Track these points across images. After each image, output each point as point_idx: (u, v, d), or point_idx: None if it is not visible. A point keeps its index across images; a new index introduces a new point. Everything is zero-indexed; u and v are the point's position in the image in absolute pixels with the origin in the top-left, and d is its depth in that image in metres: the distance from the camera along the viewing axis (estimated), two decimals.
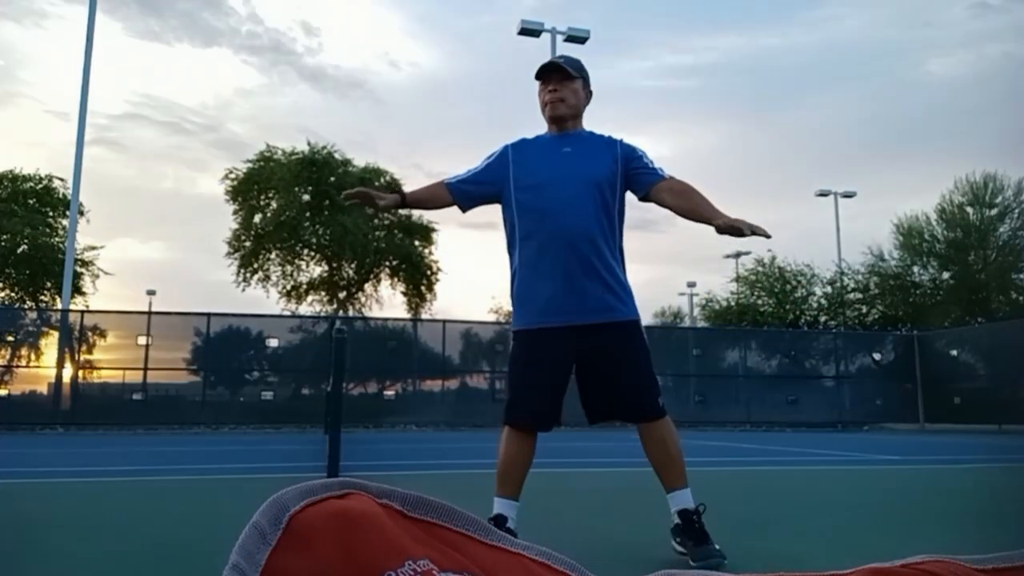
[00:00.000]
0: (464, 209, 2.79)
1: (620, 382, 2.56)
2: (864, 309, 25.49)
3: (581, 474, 5.81)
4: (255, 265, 23.86)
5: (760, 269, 27.30)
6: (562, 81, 2.65)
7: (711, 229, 2.42)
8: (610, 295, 2.58)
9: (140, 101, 48.07)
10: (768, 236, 2.34)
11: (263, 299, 26.17)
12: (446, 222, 36.32)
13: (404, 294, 25.24)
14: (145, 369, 14.68)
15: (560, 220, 2.55)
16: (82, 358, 14.93)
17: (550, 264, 2.56)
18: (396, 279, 25.18)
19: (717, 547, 2.35)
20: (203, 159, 50.15)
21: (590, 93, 2.77)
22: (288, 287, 24.46)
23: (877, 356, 20.14)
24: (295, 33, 50.00)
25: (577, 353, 2.58)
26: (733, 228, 2.34)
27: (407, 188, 2.78)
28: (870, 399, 19.05)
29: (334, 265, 24.48)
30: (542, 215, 2.59)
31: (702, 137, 62.67)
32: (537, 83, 2.72)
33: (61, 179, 22.90)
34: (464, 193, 2.75)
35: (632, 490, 4.72)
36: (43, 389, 14.91)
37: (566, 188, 2.58)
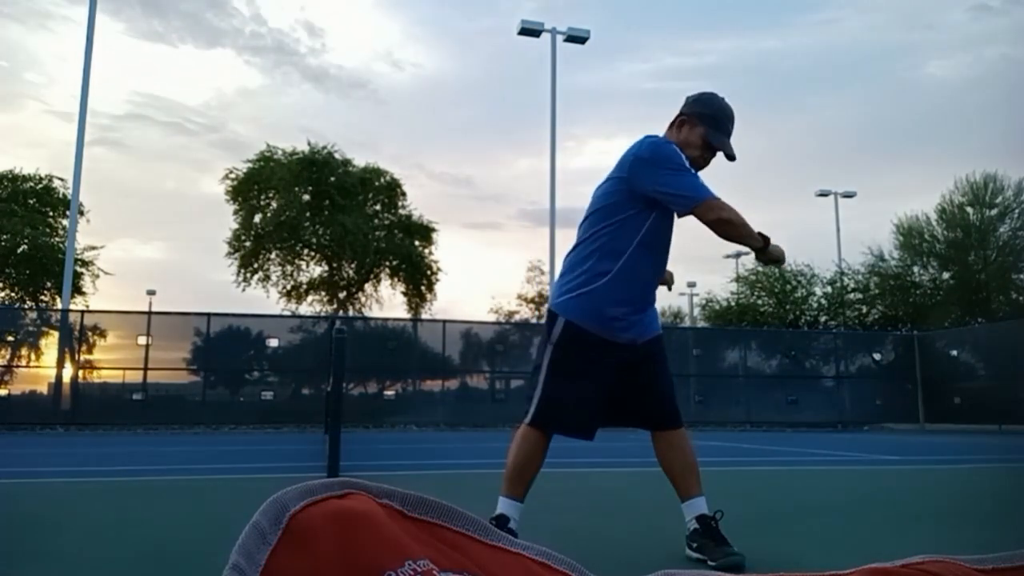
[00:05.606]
0: None
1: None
2: (864, 309, 25.47)
3: (581, 474, 5.81)
4: (255, 265, 23.86)
5: (760, 269, 27.25)
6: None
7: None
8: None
9: (142, 102, 47.98)
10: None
11: (263, 299, 26.19)
12: (446, 222, 36.32)
13: (404, 294, 25.25)
14: (145, 369, 14.68)
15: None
16: (82, 358, 14.92)
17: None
18: (396, 279, 25.18)
19: (736, 549, 2.36)
20: (205, 159, 50.16)
21: None
22: (288, 287, 24.48)
23: (877, 356, 20.12)
24: (298, 34, 50.00)
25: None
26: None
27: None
28: (870, 399, 19.03)
29: (334, 265, 24.48)
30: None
31: None
32: (700, 128, 2.65)
33: (61, 179, 22.91)
34: None
35: (632, 490, 4.72)
36: (43, 389, 14.90)
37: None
